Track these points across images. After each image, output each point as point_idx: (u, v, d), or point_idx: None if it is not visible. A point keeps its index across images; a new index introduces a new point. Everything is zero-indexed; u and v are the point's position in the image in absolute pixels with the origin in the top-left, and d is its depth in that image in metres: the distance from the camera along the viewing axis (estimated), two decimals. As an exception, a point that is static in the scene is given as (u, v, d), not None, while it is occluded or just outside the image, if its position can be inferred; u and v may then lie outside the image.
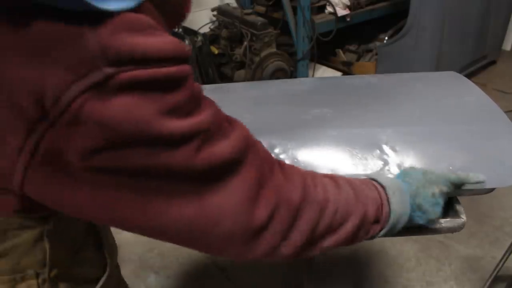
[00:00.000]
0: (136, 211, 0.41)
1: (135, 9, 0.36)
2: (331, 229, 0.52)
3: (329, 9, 2.38)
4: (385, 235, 0.59)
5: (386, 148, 0.75)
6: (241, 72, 2.33)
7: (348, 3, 2.36)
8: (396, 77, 1.05)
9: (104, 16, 0.34)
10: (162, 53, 0.36)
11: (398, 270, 1.57)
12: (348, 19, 2.38)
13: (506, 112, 0.84)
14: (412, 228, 0.62)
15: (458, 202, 0.70)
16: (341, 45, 2.71)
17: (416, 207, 0.59)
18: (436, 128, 0.79)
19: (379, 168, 0.72)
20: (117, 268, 0.69)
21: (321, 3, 2.38)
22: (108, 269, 0.63)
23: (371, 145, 0.75)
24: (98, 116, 0.35)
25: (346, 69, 2.64)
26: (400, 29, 2.36)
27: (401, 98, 0.91)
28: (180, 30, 2.24)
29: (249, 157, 0.45)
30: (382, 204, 0.57)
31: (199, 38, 2.22)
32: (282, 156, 0.75)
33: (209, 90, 0.95)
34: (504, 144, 0.75)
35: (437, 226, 0.66)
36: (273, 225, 0.47)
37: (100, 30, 0.34)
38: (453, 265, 1.58)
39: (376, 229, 0.57)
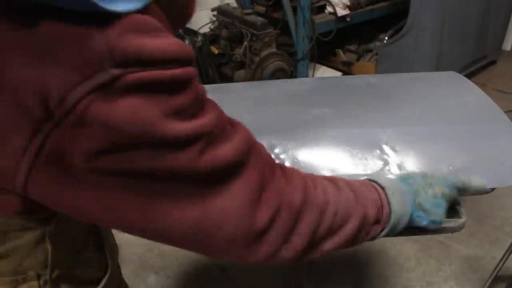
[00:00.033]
0: (140, 213, 0.41)
1: (142, 11, 0.36)
2: (332, 231, 0.52)
3: (329, 9, 2.38)
4: (386, 236, 0.59)
5: (386, 148, 0.75)
6: (241, 72, 2.33)
7: (348, 3, 2.36)
8: (396, 77, 1.05)
9: (112, 17, 0.34)
10: (167, 55, 0.36)
11: (398, 270, 1.57)
12: (348, 19, 2.38)
13: (506, 112, 0.84)
14: (412, 228, 0.62)
15: (458, 203, 0.70)
16: (341, 45, 2.71)
17: (417, 207, 0.59)
18: (436, 128, 0.79)
19: (379, 168, 0.72)
20: (118, 268, 0.69)
21: (321, 3, 2.38)
22: (109, 270, 0.63)
23: (371, 145, 0.75)
24: (103, 117, 0.34)
25: (346, 69, 2.64)
26: (400, 29, 2.36)
27: (401, 98, 0.91)
28: (181, 30, 2.24)
29: (252, 160, 0.45)
30: (382, 205, 0.57)
31: (199, 38, 2.22)
32: (282, 156, 0.75)
33: (209, 90, 0.94)
34: (504, 144, 0.75)
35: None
36: (275, 228, 0.47)
37: (108, 31, 0.34)
38: (453, 265, 1.58)
39: (377, 230, 0.57)
